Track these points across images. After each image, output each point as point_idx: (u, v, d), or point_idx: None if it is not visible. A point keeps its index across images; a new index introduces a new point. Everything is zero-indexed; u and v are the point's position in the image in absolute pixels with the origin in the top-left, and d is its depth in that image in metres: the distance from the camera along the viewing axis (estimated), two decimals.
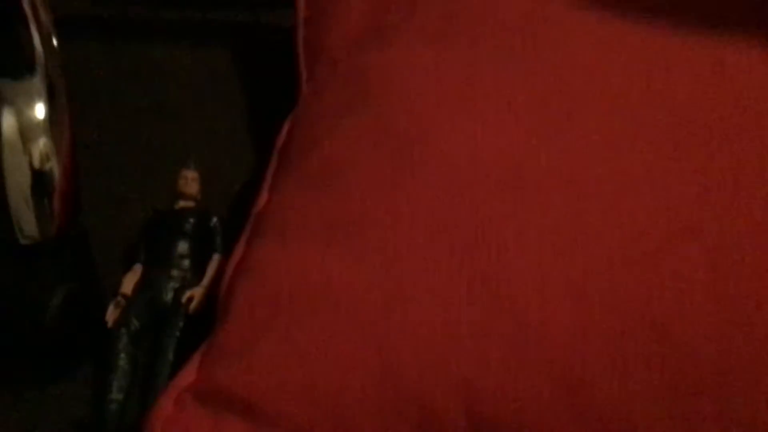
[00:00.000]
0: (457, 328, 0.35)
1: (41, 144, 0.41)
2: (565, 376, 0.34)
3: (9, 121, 0.40)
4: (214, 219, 0.47)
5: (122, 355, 0.43)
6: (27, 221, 0.41)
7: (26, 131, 0.41)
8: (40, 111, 0.41)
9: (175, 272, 0.45)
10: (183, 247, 0.46)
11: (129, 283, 0.45)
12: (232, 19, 0.58)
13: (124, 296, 0.45)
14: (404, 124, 0.41)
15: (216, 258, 0.46)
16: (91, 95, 0.53)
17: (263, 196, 0.44)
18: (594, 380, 0.34)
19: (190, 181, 0.48)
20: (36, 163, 0.41)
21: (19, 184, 0.41)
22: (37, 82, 0.41)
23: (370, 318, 0.36)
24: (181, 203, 0.48)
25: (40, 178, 0.41)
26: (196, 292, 0.44)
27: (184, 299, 0.44)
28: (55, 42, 0.42)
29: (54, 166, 0.41)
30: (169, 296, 0.44)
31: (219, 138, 0.53)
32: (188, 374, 0.37)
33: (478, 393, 0.34)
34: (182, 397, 0.36)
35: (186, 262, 0.46)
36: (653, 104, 0.38)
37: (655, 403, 0.34)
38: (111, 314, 0.44)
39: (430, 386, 0.35)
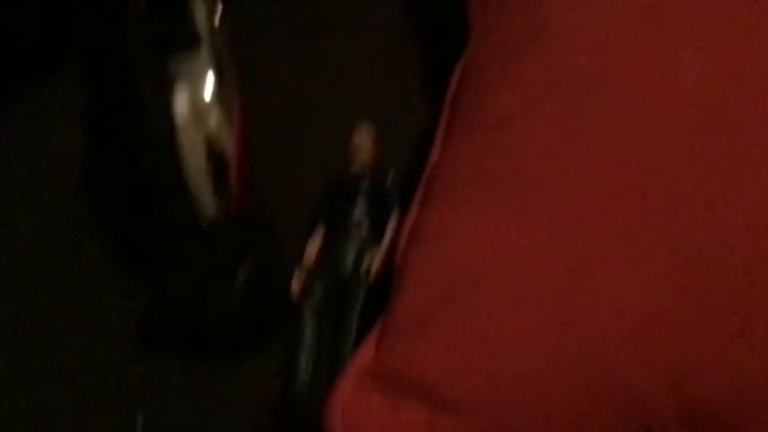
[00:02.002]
0: (661, 302, 0.31)
1: (214, 120, 0.41)
2: None
3: (180, 98, 0.40)
4: (390, 176, 0.45)
5: (307, 330, 0.43)
6: (207, 202, 0.41)
7: (198, 109, 0.40)
8: (209, 87, 0.41)
9: (354, 236, 0.44)
10: (361, 209, 0.45)
11: (311, 251, 0.45)
12: None
13: (308, 265, 0.44)
14: (584, 63, 0.36)
15: (394, 217, 0.44)
16: (261, 58, 0.52)
17: (436, 152, 0.42)
18: None
19: (364, 140, 0.46)
20: (210, 141, 0.41)
21: (196, 163, 0.41)
22: (205, 57, 0.41)
23: (555, 288, 0.32)
24: (357, 164, 0.46)
25: (215, 156, 0.41)
26: (376, 256, 0.43)
27: (364, 265, 0.43)
28: (218, 17, 0.42)
29: (228, 143, 0.41)
30: (349, 264, 0.44)
31: (393, 88, 0.51)
32: (366, 354, 0.36)
33: (689, 371, 0.30)
34: (361, 380, 0.35)
35: (365, 224, 0.44)
36: None
37: None
38: (296, 285, 0.44)
39: (635, 369, 0.31)
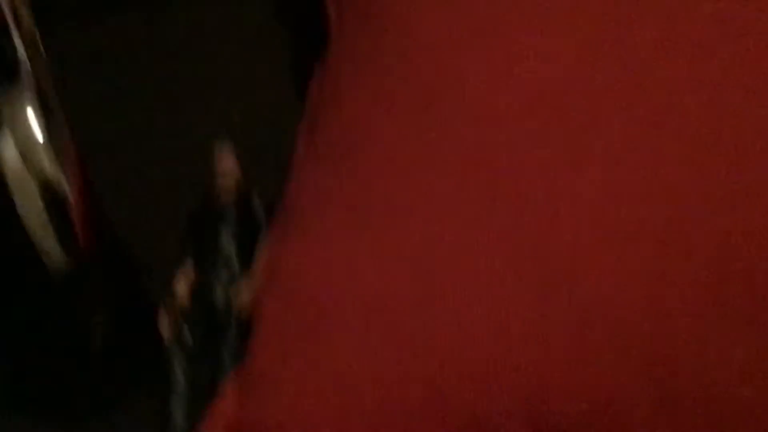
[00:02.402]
0: (507, 322, 0.29)
1: (46, 162, 0.37)
2: (647, 361, 0.28)
3: (5, 142, 0.37)
4: (256, 203, 0.42)
5: (179, 371, 0.40)
6: (51, 247, 0.38)
7: (26, 151, 0.37)
8: (35, 126, 0.37)
9: (223, 270, 0.41)
10: (229, 241, 0.42)
11: (181, 289, 0.42)
12: None
13: (177, 304, 0.41)
14: (427, 70, 0.33)
15: (262, 249, 0.41)
16: (103, 86, 0.48)
17: (293, 171, 0.39)
18: (685, 362, 0.27)
19: (227, 164, 0.43)
20: (45, 185, 0.37)
21: (33, 210, 0.38)
22: (27, 94, 0.38)
23: (406, 324, 0.30)
24: (222, 190, 0.43)
25: (52, 200, 0.38)
26: (246, 290, 0.40)
27: (235, 301, 0.40)
28: (40, 47, 0.38)
29: (63, 184, 0.38)
30: (220, 300, 0.41)
31: (260, 105, 0.48)
32: (226, 405, 0.34)
33: (540, 396, 0.29)
34: None
35: (234, 258, 0.42)
36: (723, 14, 0.29)
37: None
38: (164, 326, 0.41)
39: (483, 395, 0.29)
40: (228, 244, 0.42)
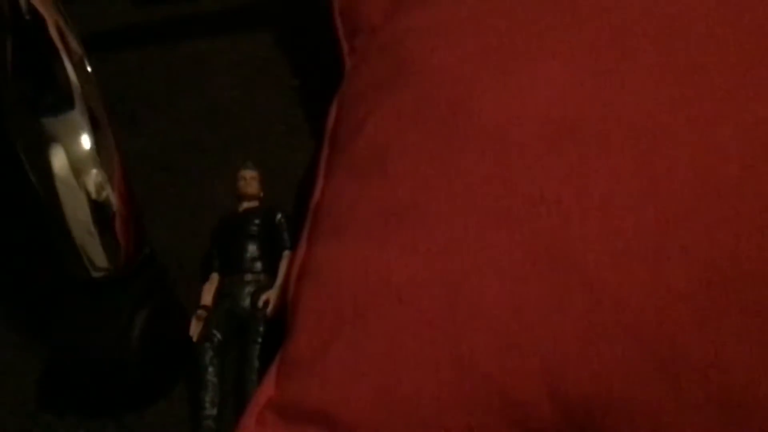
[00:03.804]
0: (528, 307, 0.33)
1: (93, 174, 0.41)
2: (652, 341, 0.32)
3: (58, 157, 0.40)
4: (279, 215, 0.46)
5: (210, 370, 0.43)
6: (95, 254, 0.41)
7: (76, 164, 0.40)
8: (86, 142, 0.41)
9: (249, 276, 0.45)
10: (253, 249, 0.45)
11: (207, 294, 0.45)
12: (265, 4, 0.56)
13: (205, 308, 0.45)
14: (445, 93, 0.38)
15: (286, 255, 0.45)
16: (144, 101, 0.52)
17: (319, 186, 0.43)
18: (686, 340, 0.31)
19: (249, 180, 0.47)
20: (92, 195, 0.41)
21: (80, 218, 0.40)
22: (78, 113, 0.41)
23: (435, 311, 0.34)
24: (245, 204, 0.47)
25: (99, 209, 0.41)
26: (271, 295, 0.44)
27: (260, 303, 0.44)
28: (89, 68, 0.42)
29: (110, 195, 0.41)
30: (246, 302, 0.44)
31: (275, 129, 0.52)
32: (267, 389, 0.36)
33: (559, 372, 0.32)
34: (263, 414, 0.35)
35: (258, 264, 0.45)
36: (717, 37, 0.34)
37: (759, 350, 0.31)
38: (194, 328, 0.44)
39: (508, 373, 0.33)
40: (252, 252, 0.45)
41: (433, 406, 0.33)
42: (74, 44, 0.42)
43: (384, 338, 0.35)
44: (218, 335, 0.44)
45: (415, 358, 0.34)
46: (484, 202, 0.35)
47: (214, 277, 0.46)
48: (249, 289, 0.44)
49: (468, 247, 0.35)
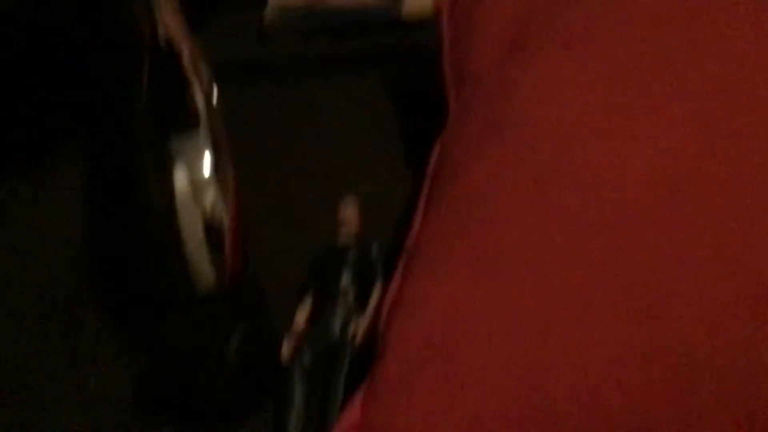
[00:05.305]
0: (616, 360, 0.34)
1: (211, 196, 0.44)
2: (749, 416, 0.32)
3: (180, 175, 0.43)
4: (375, 248, 0.48)
5: (297, 391, 0.45)
6: (204, 273, 0.43)
7: (196, 184, 0.43)
8: (207, 164, 0.44)
9: (342, 305, 0.47)
10: (347, 279, 0.48)
11: (301, 318, 0.47)
12: (377, 48, 0.60)
13: (297, 332, 0.47)
14: (548, 146, 0.40)
15: (378, 287, 0.47)
16: (254, 135, 0.56)
17: (416, 225, 0.45)
18: None
19: (349, 213, 0.50)
20: (207, 215, 0.43)
21: (194, 236, 0.43)
22: (203, 137, 0.44)
23: (524, 354, 0.35)
24: (344, 235, 0.49)
25: (212, 229, 0.44)
26: (361, 324, 0.46)
27: (350, 333, 0.46)
28: (215, 98, 0.45)
29: (224, 217, 0.44)
30: (337, 330, 0.46)
31: (377, 166, 0.54)
32: (352, 414, 0.38)
33: (645, 425, 0.33)
34: None
35: (351, 294, 0.47)
36: None
37: None
38: (286, 350, 0.46)
39: (590, 423, 0.34)
40: (346, 282, 0.48)
41: None
42: (205, 74, 0.45)
43: (472, 373, 0.36)
44: (308, 358, 0.46)
45: (500, 395, 0.35)
46: (579, 257, 0.36)
47: (308, 302, 0.48)
48: (340, 317, 0.46)
49: (560, 296, 0.36)
